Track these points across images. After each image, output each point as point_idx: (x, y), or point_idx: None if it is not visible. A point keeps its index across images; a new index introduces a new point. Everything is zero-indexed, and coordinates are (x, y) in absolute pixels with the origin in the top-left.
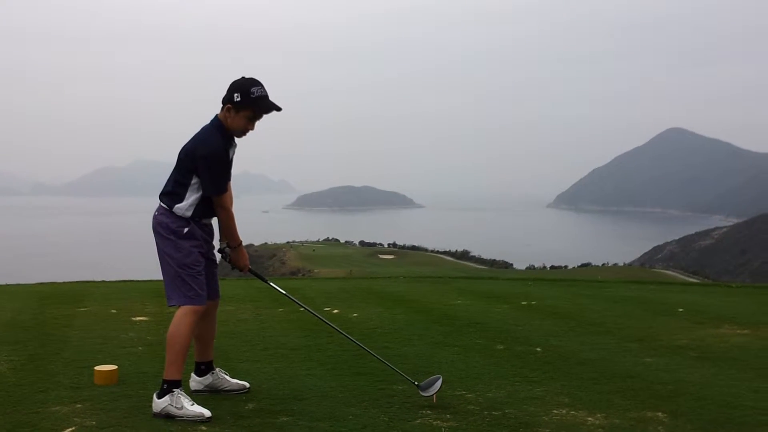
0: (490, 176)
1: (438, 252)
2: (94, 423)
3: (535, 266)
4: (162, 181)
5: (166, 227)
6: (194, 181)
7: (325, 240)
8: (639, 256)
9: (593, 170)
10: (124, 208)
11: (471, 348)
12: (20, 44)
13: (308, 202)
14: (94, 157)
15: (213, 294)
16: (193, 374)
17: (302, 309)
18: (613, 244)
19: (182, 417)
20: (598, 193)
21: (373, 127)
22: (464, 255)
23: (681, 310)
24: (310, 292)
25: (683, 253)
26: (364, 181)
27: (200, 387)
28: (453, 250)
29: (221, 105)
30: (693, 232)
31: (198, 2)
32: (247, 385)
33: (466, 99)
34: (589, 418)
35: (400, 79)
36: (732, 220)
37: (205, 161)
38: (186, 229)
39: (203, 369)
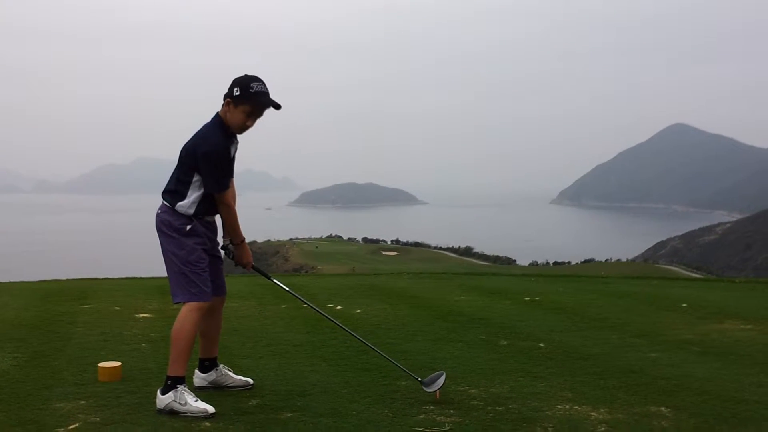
0: (493, 173)
1: (441, 248)
2: (98, 419)
3: (539, 262)
4: (164, 178)
5: (169, 225)
6: (196, 178)
7: (328, 237)
8: (642, 251)
9: (596, 166)
10: (126, 205)
11: (474, 344)
12: (22, 42)
13: (311, 199)
14: (97, 155)
15: (219, 290)
16: (196, 371)
17: (305, 305)
18: (616, 239)
19: (186, 413)
20: (601, 189)
21: (376, 124)
22: (467, 251)
23: (684, 305)
24: (313, 289)
25: (687, 249)
26: (367, 178)
27: (204, 383)
28: (456, 246)
29: (222, 101)
30: (696, 228)
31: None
32: (251, 381)
33: (468, 95)
34: (593, 413)
35: (402, 75)
36: (735, 216)
37: (206, 158)
38: (189, 227)
39: (207, 365)
